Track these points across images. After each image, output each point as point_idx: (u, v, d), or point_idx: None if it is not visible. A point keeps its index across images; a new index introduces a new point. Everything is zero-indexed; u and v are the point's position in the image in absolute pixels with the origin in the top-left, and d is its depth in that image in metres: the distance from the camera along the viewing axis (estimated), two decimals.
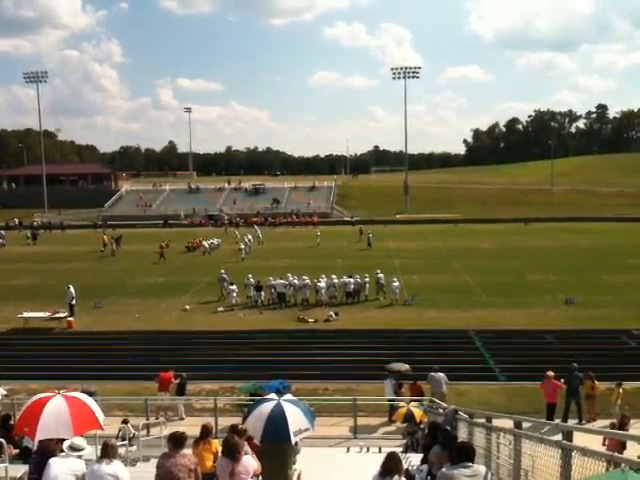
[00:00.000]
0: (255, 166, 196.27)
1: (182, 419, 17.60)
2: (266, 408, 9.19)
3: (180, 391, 18.19)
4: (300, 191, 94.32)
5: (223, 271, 35.04)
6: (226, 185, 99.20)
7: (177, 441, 7.32)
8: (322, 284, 32.29)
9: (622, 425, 13.50)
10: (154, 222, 77.76)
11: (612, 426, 13.75)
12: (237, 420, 14.99)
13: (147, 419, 16.29)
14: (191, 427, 11.25)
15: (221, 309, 31.37)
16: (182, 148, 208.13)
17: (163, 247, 49.13)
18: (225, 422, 15.73)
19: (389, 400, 16.91)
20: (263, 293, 32.51)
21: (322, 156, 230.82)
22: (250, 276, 33.26)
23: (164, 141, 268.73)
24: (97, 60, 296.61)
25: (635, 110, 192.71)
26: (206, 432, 9.04)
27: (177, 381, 18.19)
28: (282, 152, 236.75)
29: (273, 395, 10.00)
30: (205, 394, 19.49)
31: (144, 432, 15.00)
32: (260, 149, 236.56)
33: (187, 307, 31.54)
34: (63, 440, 7.53)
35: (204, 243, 53.54)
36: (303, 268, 37.84)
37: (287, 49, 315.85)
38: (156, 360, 21.61)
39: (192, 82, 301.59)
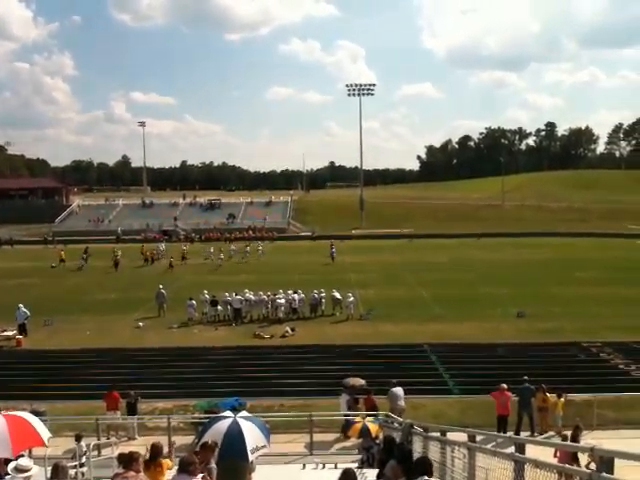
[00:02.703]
0: (211, 181, 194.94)
1: (134, 439, 17.22)
2: (222, 425, 9.07)
3: (131, 410, 17.83)
4: (256, 206, 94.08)
5: (162, 286, 34.52)
6: (181, 200, 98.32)
7: (127, 461, 7.15)
8: (282, 300, 32.22)
9: (574, 436, 13.75)
10: (107, 237, 76.23)
11: (563, 438, 14.02)
12: (191, 438, 14.82)
13: (98, 439, 15.90)
14: (144, 447, 11.02)
15: (175, 326, 30.93)
16: (136, 162, 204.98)
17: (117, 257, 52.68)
18: (179, 441, 15.49)
19: (345, 415, 16.89)
20: (220, 307, 32.23)
21: (278, 171, 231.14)
22: (206, 292, 33.00)
23: (117, 155, 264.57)
24: (48, 73, 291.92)
25: (582, 128, 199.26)
26: (156, 452, 8.58)
27: (125, 400, 17.85)
28: (238, 167, 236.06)
29: (229, 412, 9.90)
30: (159, 412, 19.13)
31: (95, 452, 14.65)
32: (216, 164, 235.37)
33: (140, 324, 30.99)
34: (9, 461, 7.30)
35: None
36: (260, 283, 37.69)
37: (242, 64, 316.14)
38: (108, 378, 21.11)
39: (146, 96, 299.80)
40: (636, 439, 15.93)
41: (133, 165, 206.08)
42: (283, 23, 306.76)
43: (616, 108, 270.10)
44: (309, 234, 76.89)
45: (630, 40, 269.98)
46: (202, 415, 16.26)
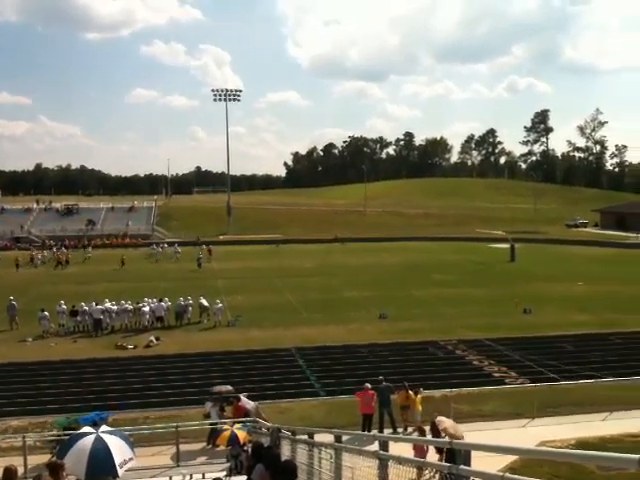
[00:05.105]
0: (68, 185, 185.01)
1: None
2: (86, 443, 8.68)
3: None
4: (118, 212, 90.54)
5: (12, 298, 32.31)
6: (35, 205, 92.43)
7: None
8: (147, 308, 31.29)
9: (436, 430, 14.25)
10: None
11: (420, 433, 14.66)
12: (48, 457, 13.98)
13: None
14: None
15: (29, 339, 29.03)
16: None
17: None
18: (36, 461, 14.58)
19: (211, 424, 16.69)
20: (79, 318, 30.72)
21: (142, 175, 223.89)
22: (62, 302, 31.28)
23: None
24: None
25: (438, 138, 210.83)
26: (9, 477, 7.85)
27: None
28: (98, 171, 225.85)
29: (89, 428, 9.49)
30: (12, 432, 17.87)
31: None
32: (73, 167, 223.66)
33: None
34: None
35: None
36: (123, 292, 36.34)
37: (102, 64, 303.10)
38: None
39: None
40: (489, 431, 17.09)
41: None
42: (146, 25, 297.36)
43: (468, 120, 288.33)
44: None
45: (481, 56, 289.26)
46: (61, 432, 15.39)
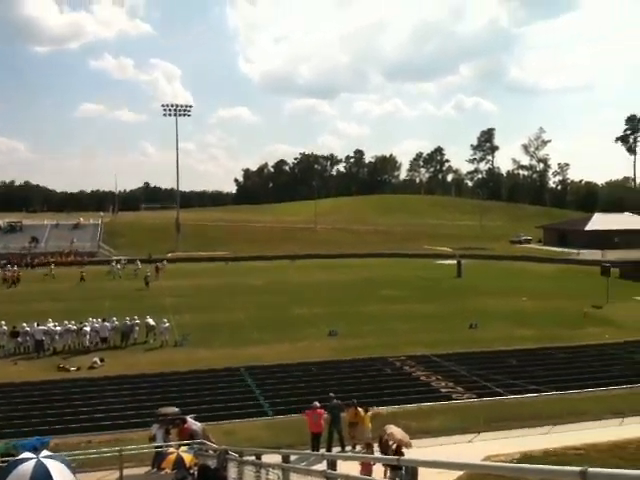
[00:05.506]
0: (11, 202, 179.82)
1: None
2: (26, 469, 8.42)
3: None
4: (63, 229, 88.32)
5: None
6: None
7: None
8: (88, 328, 30.58)
9: (387, 446, 14.30)
10: None
11: (367, 450, 14.68)
12: None
13: None
14: None
15: None
16: None
17: None
18: None
19: (156, 447, 16.32)
20: (20, 339, 29.76)
21: (88, 191, 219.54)
22: (3, 323, 30.27)
23: None
24: None
25: (387, 155, 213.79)
26: None
27: None
28: (42, 187, 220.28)
29: (29, 454, 9.19)
30: None
31: None
32: (17, 183, 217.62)
33: None
34: None
35: None
36: (67, 312, 35.40)
37: (49, 78, 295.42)
38: None
39: None
40: (437, 447, 17.24)
41: None
42: (94, 38, 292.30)
43: (417, 138, 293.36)
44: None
45: (429, 75, 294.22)
46: None
